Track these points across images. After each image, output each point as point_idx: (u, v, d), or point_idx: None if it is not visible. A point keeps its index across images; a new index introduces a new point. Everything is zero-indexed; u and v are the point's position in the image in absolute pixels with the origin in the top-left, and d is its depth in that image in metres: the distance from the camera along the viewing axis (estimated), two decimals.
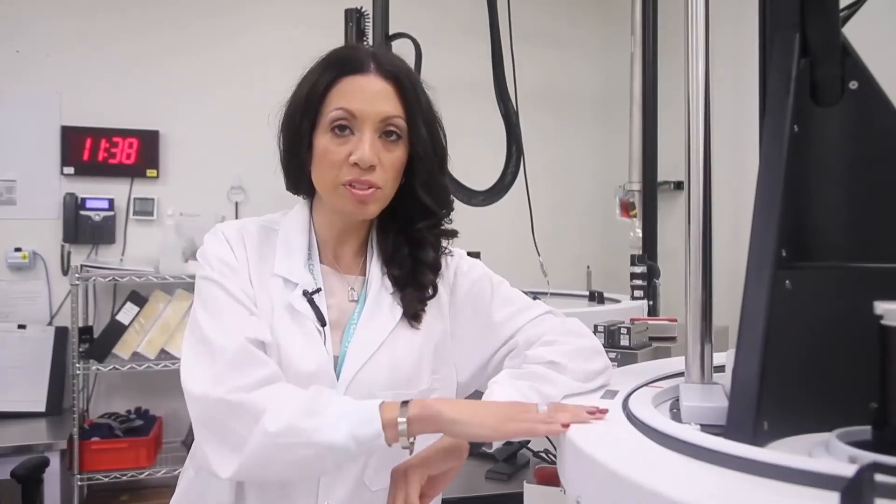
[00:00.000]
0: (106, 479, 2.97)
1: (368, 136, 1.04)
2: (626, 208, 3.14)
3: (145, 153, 3.34)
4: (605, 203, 3.60)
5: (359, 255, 1.14)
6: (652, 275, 2.69)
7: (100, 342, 2.97)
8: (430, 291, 1.13)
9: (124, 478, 3.00)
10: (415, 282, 1.12)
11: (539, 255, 2.73)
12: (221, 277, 1.05)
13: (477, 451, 1.05)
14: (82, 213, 3.26)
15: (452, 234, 1.17)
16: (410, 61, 2.68)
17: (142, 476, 3.03)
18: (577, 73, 4.12)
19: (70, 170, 3.27)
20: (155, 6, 3.34)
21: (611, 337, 1.91)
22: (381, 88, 1.06)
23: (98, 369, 2.99)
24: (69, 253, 3.27)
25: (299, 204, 1.15)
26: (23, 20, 3.23)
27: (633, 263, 2.68)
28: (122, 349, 3.00)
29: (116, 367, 2.99)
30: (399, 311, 1.10)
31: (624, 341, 1.89)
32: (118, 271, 3.03)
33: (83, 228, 3.26)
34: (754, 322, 0.79)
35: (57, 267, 3.27)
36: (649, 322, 2.10)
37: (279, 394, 0.94)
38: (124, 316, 3.00)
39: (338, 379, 1.04)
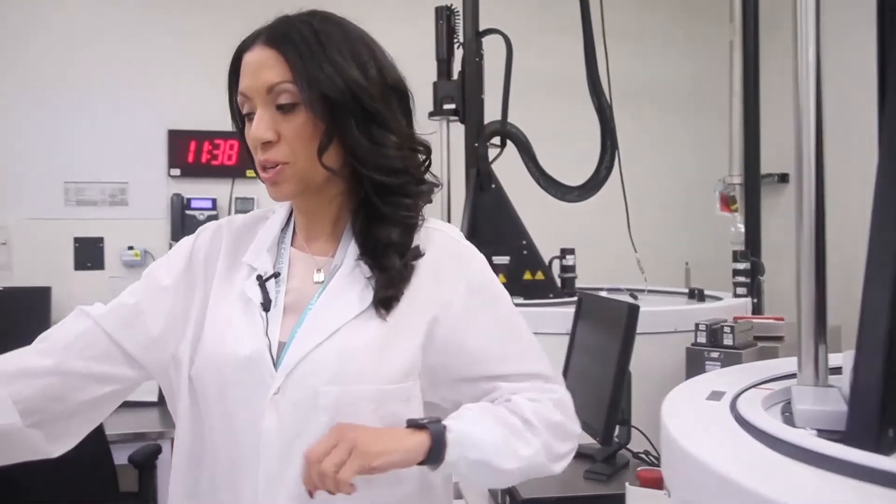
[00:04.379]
0: None
1: (259, 111, 0.97)
2: (727, 202, 3.03)
3: (245, 154, 3.47)
4: (703, 198, 3.48)
5: (335, 237, 1.06)
6: (756, 271, 2.58)
7: None
8: (400, 276, 0.99)
9: None
10: (379, 265, 1.00)
11: (636, 251, 2.67)
12: (143, 278, 1.07)
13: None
14: (188, 212, 3.45)
15: (412, 200, 1.01)
16: (501, 57, 2.70)
17: None
18: (671, 65, 4.00)
19: (176, 171, 3.46)
20: (252, 11, 3.46)
21: (713, 336, 1.84)
22: (263, 57, 0.98)
23: None
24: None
25: None
26: (132, 29, 3.43)
27: (735, 260, 2.57)
28: None
29: None
30: (370, 298, 0.99)
31: (727, 340, 1.82)
32: None
33: (189, 227, 3.41)
34: (876, 322, 0.74)
35: None
36: (754, 321, 2.02)
37: None
38: None
39: (279, 367, 0.98)
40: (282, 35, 0.98)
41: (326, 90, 0.96)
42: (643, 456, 1.69)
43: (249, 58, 0.99)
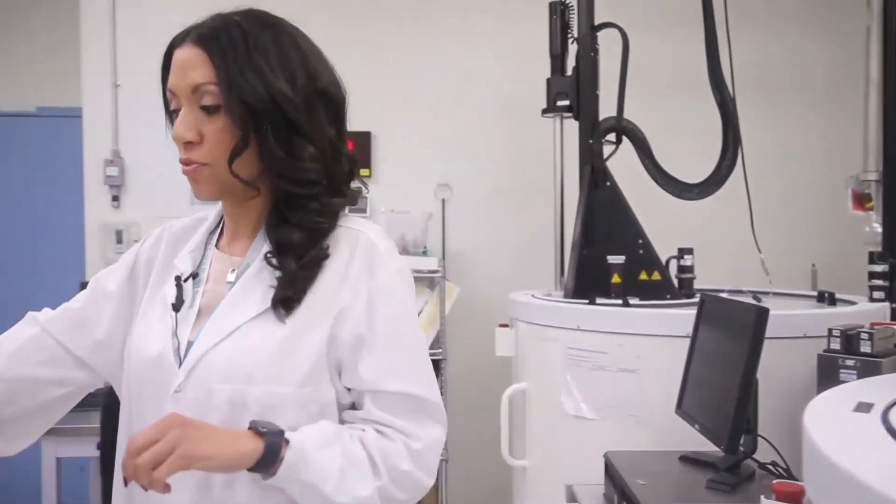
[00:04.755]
0: None
1: (184, 110, 0.98)
2: (861, 200, 2.83)
3: (358, 154, 3.54)
4: (833, 195, 3.27)
5: (253, 238, 1.06)
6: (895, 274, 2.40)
7: None
8: (296, 278, 0.98)
9: None
10: (279, 266, 1.00)
11: (760, 251, 2.55)
12: (90, 285, 1.15)
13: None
14: None
15: (322, 207, 1.00)
16: (617, 53, 2.64)
17: None
18: (800, 53, 3.77)
19: None
20: (369, 12, 3.57)
21: (848, 342, 1.73)
22: (190, 57, 0.98)
23: None
24: None
25: None
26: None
27: (871, 261, 2.40)
28: None
29: None
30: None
31: (865, 348, 1.70)
32: None
33: None
34: None
35: None
36: (895, 327, 1.87)
37: None
38: None
39: (181, 366, 1.00)
40: (210, 35, 0.98)
41: (246, 97, 0.96)
42: (770, 467, 1.61)
43: (178, 55, 0.99)
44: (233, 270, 1.05)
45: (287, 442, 0.91)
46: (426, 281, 3.20)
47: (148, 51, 3.46)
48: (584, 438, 2.07)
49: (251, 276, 1.02)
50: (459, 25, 3.61)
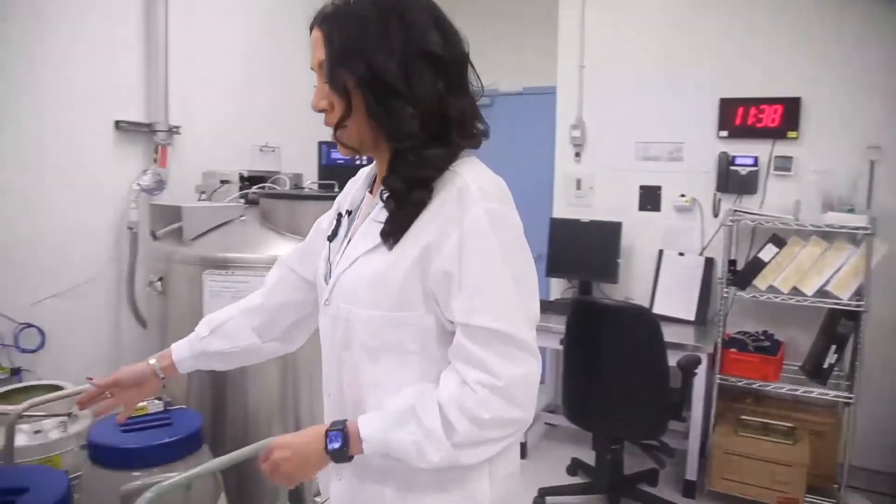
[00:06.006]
0: (737, 384, 3.47)
1: (318, 83, 1.11)
2: None
3: (787, 118, 3.80)
4: None
5: None
6: None
7: (742, 274, 3.56)
8: (397, 217, 1.07)
9: (752, 386, 3.45)
10: (386, 208, 1.10)
11: None
12: (313, 226, 1.37)
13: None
14: (732, 168, 3.93)
15: (423, 159, 1.06)
16: None
17: (767, 388, 3.49)
18: None
19: (724, 133, 3.96)
20: None
21: None
22: (315, 37, 1.10)
23: (737, 294, 3.54)
24: (719, 200, 4.01)
25: None
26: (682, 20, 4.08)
27: None
28: (760, 281, 3.48)
29: (755, 295, 3.50)
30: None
31: None
32: (763, 216, 3.57)
33: (732, 180, 3.94)
34: None
35: (709, 210, 4.05)
36: None
37: None
38: (765, 254, 3.50)
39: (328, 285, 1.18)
40: (325, 17, 1.10)
41: (349, 71, 1.06)
42: None
43: (312, 35, 1.12)
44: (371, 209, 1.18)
45: (362, 442, 1.06)
46: (847, 236, 3.37)
47: (600, 40, 4.24)
48: None
49: (374, 216, 1.14)
50: None
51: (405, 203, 1.07)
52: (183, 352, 1.39)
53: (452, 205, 1.05)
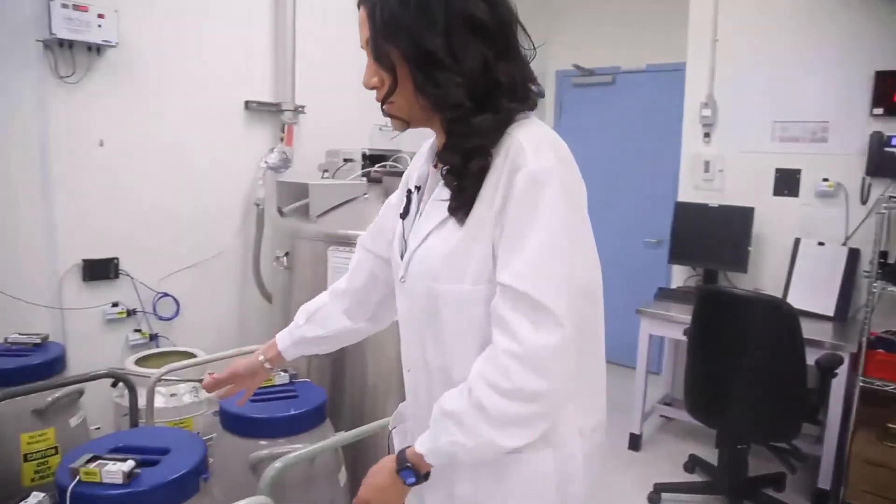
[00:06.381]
0: (884, 388, 3.18)
1: (368, 60, 1.12)
2: None
3: None
4: None
5: None
6: None
7: (893, 267, 3.28)
8: (458, 191, 1.07)
9: None
10: (447, 183, 1.11)
11: None
12: (387, 200, 1.39)
13: None
14: (886, 149, 3.57)
15: (471, 128, 1.05)
16: None
17: None
18: None
19: (879, 110, 3.61)
20: None
21: None
22: (360, 17, 1.11)
23: (886, 289, 3.20)
24: (869, 185, 3.67)
25: None
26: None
27: None
28: None
29: None
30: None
31: None
32: None
33: (886, 164, 3.57)
34: None
35: (856, 196, 3.73)
36: None
37: None
38: None
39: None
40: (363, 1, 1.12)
41: (392, 46, 1.07)
42: None
43: (358, 15, 1.13)
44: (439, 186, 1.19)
45: (419, 455, 1.11)
46: None
47: (735, 8, 3.92)
48: None
49: (438, 193, 1.16)
50: None
51: (464, 175, 1.07)
52: (286, 341, 1.47)
53: (508, 169, 1.04)
